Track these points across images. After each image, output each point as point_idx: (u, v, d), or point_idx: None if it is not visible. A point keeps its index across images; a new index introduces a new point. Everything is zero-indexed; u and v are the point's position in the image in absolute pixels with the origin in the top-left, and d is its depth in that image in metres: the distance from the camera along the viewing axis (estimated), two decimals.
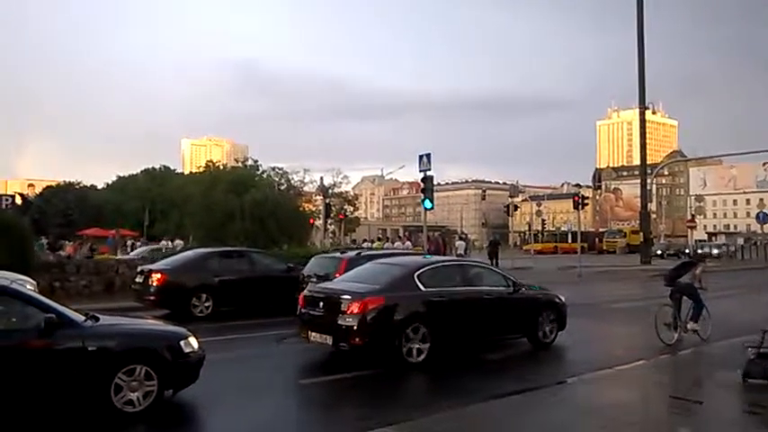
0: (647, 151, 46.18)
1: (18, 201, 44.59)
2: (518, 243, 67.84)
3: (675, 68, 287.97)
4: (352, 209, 66.51)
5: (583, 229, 47.78)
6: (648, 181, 43.76)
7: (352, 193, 73.46)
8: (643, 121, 44.66)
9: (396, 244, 31.22)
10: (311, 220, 39.20)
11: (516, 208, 42.21)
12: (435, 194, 23.58)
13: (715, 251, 51.56)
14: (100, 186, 77.02)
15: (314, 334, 9.15)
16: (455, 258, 19.75)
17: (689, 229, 53.45)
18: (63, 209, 57.77)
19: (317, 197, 54.42)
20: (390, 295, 9.02)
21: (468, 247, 30.57)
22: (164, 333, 7.16)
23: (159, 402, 6.47)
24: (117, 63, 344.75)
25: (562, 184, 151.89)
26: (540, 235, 67.19)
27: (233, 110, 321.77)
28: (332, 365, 9.13)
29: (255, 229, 22.98)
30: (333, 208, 48.39)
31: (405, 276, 9.45)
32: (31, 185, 79.97)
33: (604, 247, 63.35)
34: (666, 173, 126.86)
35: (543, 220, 74.16)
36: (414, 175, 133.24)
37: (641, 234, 42.13)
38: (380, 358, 8.85)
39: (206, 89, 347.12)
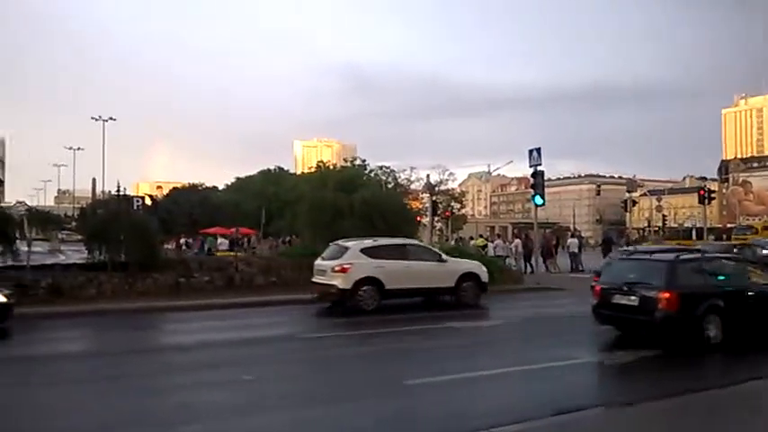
0: None
1: (148, 202, 48.17)
2: (636, 240, 64.38)
3: None
4: (458, 206, 66.07)
5: (708, 225, 44.61)
6: None
7: (458, 191, 73.05)
8: None
9: (496, 242, 30.41)
10: (418, 218, 39.36)
11: (635, 203, 40.14)
12: (546, 190, 22.91)
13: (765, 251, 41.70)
14: (221, 187, 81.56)
15: None
16: None
17: None
18: (188, 209, 61.63)
19: (424, 195, 54.59)
20: None
21: (582, 245, 29.35)
22: None
23: None
24: (235, 71, 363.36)
25: (684, 178, 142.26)
26: (660, 231, 63.48)
27: (341, 111, 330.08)
28: None
29: (364, 226, 23.28)
30: (439, 205, 48.29)
31: None
32: (159, 187, 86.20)
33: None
34: None
35: (664, 216, 69.88)
36: (522, 170, 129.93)
37: None
38: None
39: (316, 91, 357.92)
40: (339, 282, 14.94)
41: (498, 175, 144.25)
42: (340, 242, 16.28)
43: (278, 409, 7.27)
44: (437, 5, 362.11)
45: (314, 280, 16.01)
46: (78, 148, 77.41)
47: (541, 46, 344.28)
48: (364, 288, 14.90)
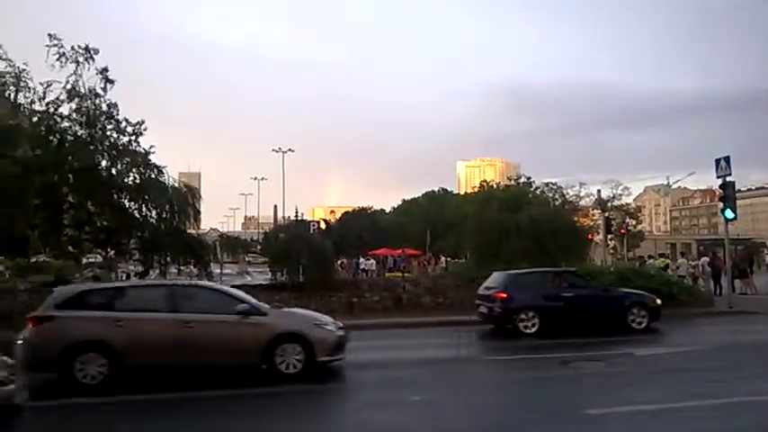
0: None
1: (322, 226, 51.17)
2: None
3: None
4: (634, 222, 61.98)
5: None
6: None
7: (633, 206, 68.51)
8: None
9: (680, 261, 27.80)
10: (589, 236, 37.47)
11: None
12: (737, 202, 20.73)
13: None
14: (387, 210, 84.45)
15: None
16: None
17: None
18: (358, 232, 64.48)
19: (595, 211, 51.83)
20: None
21: None
22: None
23: None
24: (402, 95, 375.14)
25: None
26: None
27: (503, 129, 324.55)
28: None
29: (532, 245, 22.69)
30: (613, 222, 45.63)
31: None
32: (332, 212, 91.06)
33: None
34: None
35: None
36: (706, 182, 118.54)
37: None
38: None
39: (478, 110, 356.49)
40: None
41: (679, 187, 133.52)
42: None
43: None
44: (601, 16, 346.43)
45: None
46: (262, 178, 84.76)
47: (722, 47, 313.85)
48: None
